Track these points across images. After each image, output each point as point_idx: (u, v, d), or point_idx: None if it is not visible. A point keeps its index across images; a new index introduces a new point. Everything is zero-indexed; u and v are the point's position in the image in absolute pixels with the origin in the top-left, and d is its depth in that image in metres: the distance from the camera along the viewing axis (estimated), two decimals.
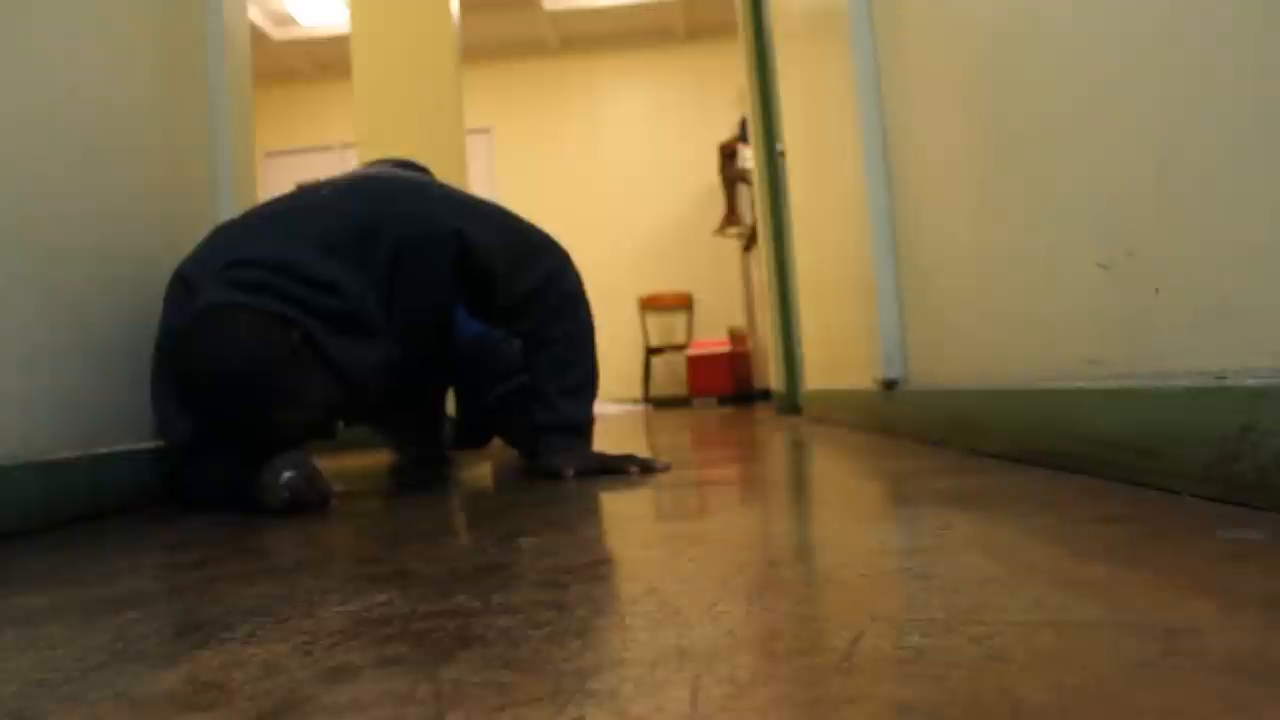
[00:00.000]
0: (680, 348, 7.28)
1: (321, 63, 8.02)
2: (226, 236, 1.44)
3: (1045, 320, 1.15)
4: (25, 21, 1.37)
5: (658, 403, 7.48)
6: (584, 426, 1.57)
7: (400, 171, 1.60)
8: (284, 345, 1.27)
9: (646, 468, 1.48)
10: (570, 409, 1.56)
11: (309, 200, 1.45)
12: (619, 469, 1.49)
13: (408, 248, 1.42)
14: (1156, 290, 0.88)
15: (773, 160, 3.96)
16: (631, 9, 7.50)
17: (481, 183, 7.77)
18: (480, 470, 1.91)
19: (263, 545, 0.97)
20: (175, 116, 1.84)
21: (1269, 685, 0.35)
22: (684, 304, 7.71)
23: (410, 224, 1.43)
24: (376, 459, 2.59)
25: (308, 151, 8.09)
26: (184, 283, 1.41)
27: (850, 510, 0.91)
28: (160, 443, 1.52)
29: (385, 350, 1.43)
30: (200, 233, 1.90)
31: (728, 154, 6.47)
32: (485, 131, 7.97)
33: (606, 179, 7.94)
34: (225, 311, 1.27)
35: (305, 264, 1.33)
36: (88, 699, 0.46)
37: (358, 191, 1.47)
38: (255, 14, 7.09)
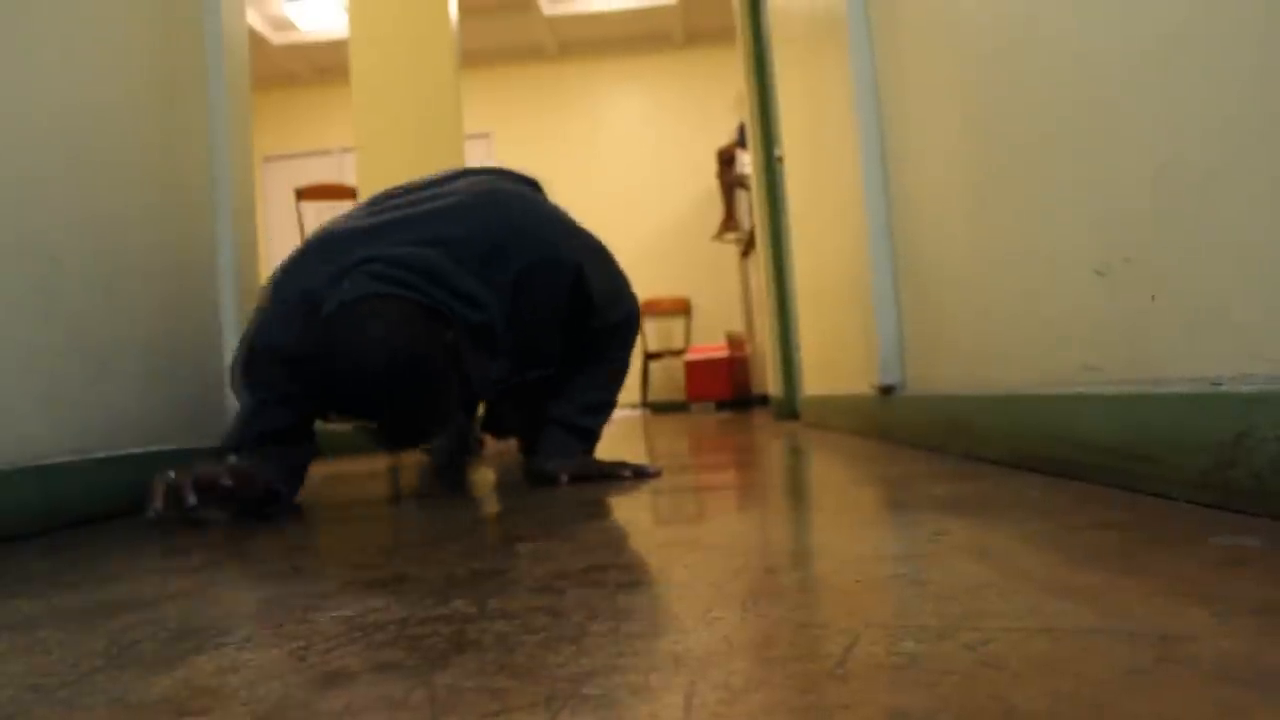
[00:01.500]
0: (678, 353, 7.28)
1: (320, 67, 8.03)
2: (341, 240, 1.38)
3: (1042, 326, 1.16)
4: (25, 28, 1.37)
5: (655, 408, 7.48)
6: (591, 435, 1.60)
7: (523, 189, 1.58)
8: (439, 342, 1.25)
9: (640, 473, 1.50)
10: (586, 419, 1.59)
11: (431, 208, 1.42)
12: (613, 474, 1.51)
13: (534, 272, 1.42)
14: (1153, 297, 0.88)
15: (771, 165, 3.96)
16: (630, 14, 7.52)
17: None
18: (478, 475, 1.91)
19: (259, 550, 0.97)
20: (174, 121, 1.85)
21: (1262, 692, 0.35)
22: (682, 309, 7.72)
23: (537, 249, 1.43)
24: (373, 464, 2.59)
25: (306, 156, 8.10)
26: (301, 294, 1.34)
27: (847, 516, 0.91)
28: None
29: (501, 370, 1.45)
30: (199, 238, 1.91)
31: (726, 159, 6.48)
32: (484, 136, 7.99)
33: (605, 184, 7.95)
34: (387, 300, 1.24)
35: (449, 273, 1.32)
36: (82, 704, 0.46)
37: (485, 207, 1.44)
38: (254, 19, 7.10)
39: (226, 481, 1.24)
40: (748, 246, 5.76)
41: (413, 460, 2.29)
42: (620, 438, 3.01)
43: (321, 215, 3.97)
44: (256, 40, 7.28)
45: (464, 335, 1.32)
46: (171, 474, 1.24)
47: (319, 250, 1.38)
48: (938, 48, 1.51)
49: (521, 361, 1.51)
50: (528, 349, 1.50)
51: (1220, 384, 0.77)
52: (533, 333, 1.48)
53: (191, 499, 1.20)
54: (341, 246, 1.36)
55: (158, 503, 1.20)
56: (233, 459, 1.30)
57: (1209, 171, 0.79)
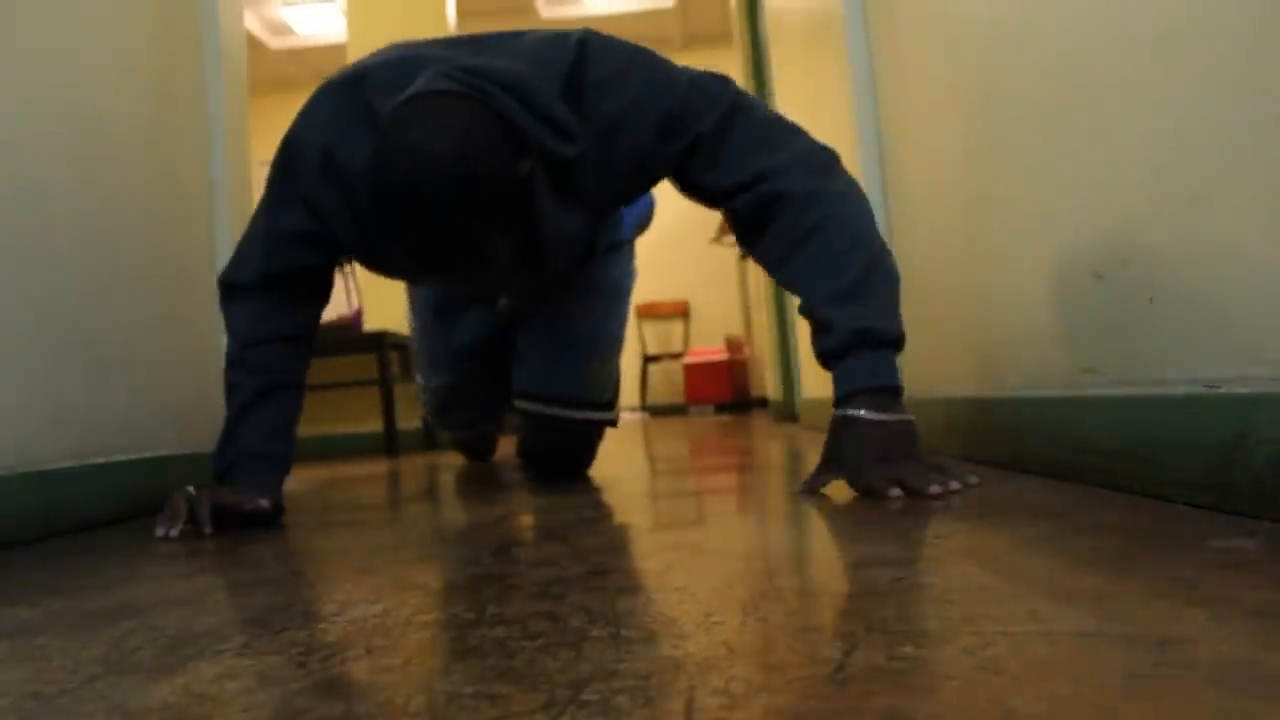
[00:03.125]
0: (677, 356, 7.28)
1: (319, 72, 8.02)
2: (419, 57, 1.18)
3: (1040, 329, 1.16)
4: (24, 33, 1.37)
5: (654, 411, 7.48)
6: (889, 338, 1.10)
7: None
8: (511, 168, 1.02)
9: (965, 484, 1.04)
10: (860, 311, 1.10)
11: (521, 38, 1.20)
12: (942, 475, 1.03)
13: (628, 113, 1.16)
14: (1151, 299, 0.89)
15: None
16: (628, 17, 7.53)
17: None
18: (478, 475, 1.91)
19: (257, 555, 0.97)
20: (172, 126, 1.85)
21: (1261, 697, 0.35)
22: (681, 312, 7.72)
23: (638, 81, 1.16)
24: (373, 468, 2.59)
25: None
26: (362, 106, 1.17)
27: (846, 520, 0.91)
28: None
29: (578, 226, 1.20)
30: (197, 243, 1.91)
31: None
32: None
33: None
34: (458, 98, 1.03)
35: (535, 91, 1.10)
36: (83, 711, 0.46)
37: (584, 43, 1.17)
38: (252, 23, 7.10)
39: (249, 508, 1.20)
40: None
41: (412, 468, 2.29)
42: (622, 440, 3.01)
43: None
44: (254, 45, 7.28)
45: (541, 171, 1.09)
46: (191, 489, 1.20)
47: (394, 67, 1.19)
48: (935, 50, 1.51)
49: (599, 223, 1.28)
50: (603, 211, 1.26)
51: (1219, 386, 0.77)
52: (613, 189, 1.22)
53: (208, 528, 1.16)
54: (419, 63, 1.17)
55: (174, 530, 1.16)
56: (264, 503, 1.20)
57: (1207, 173, 0.79)
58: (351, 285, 3.64)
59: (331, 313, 3.38)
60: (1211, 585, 0.52)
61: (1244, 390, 0.72)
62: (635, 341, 7.56)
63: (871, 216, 1.17)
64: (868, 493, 1.03)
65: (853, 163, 1.98)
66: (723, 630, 0.52)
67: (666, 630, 0.53)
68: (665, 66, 1.20)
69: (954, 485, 1.00)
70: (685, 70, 1.20)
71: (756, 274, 4.51)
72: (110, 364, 1.53)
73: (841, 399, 1.10)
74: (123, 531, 1.34)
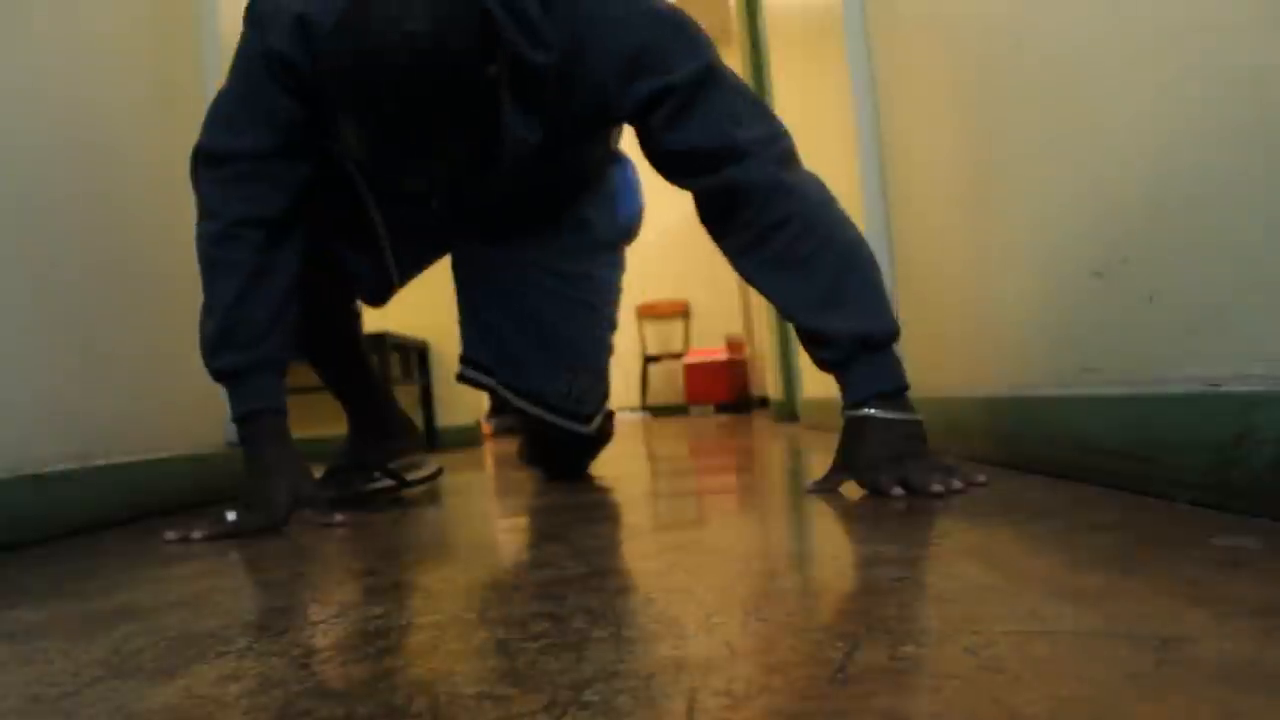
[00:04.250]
0: (677, 356, 7.27)
1: None
2: None
3: (1041, 328, 1.16)
4: (26, 34, 1.37)
5: (655, 411, 7.48)
6: (880, 341, 1.10)
7: None
8: (478, 63, 0.99)
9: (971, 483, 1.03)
10: (853, 316, 1.10)
11: None
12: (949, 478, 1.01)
13: (595, 27, 1.13)
14: (1151, 298, 0.89)
15: None
16: None
17: None
18: (477, 475, 1.91)
19: (260, 558, 0.97)
20: (171, 125, 1.85)
21: (1263, 695, 0.35)
22: (681, 312, 7.72)
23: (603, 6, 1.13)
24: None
25: None
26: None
27: (847, 519, 0.91)
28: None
29: (539, 138, 1.14)
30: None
31: None
32: None
33: None
34: None
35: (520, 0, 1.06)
36: (84, 714, 0.46)
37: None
38: None
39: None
40: None
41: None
42: (623, 439, 3.01)
43: None
44: None
45: (507, 74, 1.05)
46: (232, 517, 1.14)
47: None
48: (935, 49, 1.51)
49: (555, 149, 1.23)
50: (565, 136, 1.22)
51: (1219, 385, 0.77)
52: (570, 115, 1.19)
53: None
54: None
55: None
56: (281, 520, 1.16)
57: (1206, 172, 0.79)
58: None
59: None
60: (1213, 584, 0.52)
61: (1244, 390, 0.72)
62: (635, 341, 7.56)
63: (834, 205, 1.15)
64: (873, 491, 1.03)
65: (852, 163, 1.98)
66: (724, 630, 0.52)
67: (668, 630, 0.53)
68: (651, 2, 1.16)
69: (955, 484, 1.00)
70: (673, 9, 1.16)
71: None
72: (110, 364, 1.53)
73: (852, 404, 1.10)
74: (124, 533, 1.34)
